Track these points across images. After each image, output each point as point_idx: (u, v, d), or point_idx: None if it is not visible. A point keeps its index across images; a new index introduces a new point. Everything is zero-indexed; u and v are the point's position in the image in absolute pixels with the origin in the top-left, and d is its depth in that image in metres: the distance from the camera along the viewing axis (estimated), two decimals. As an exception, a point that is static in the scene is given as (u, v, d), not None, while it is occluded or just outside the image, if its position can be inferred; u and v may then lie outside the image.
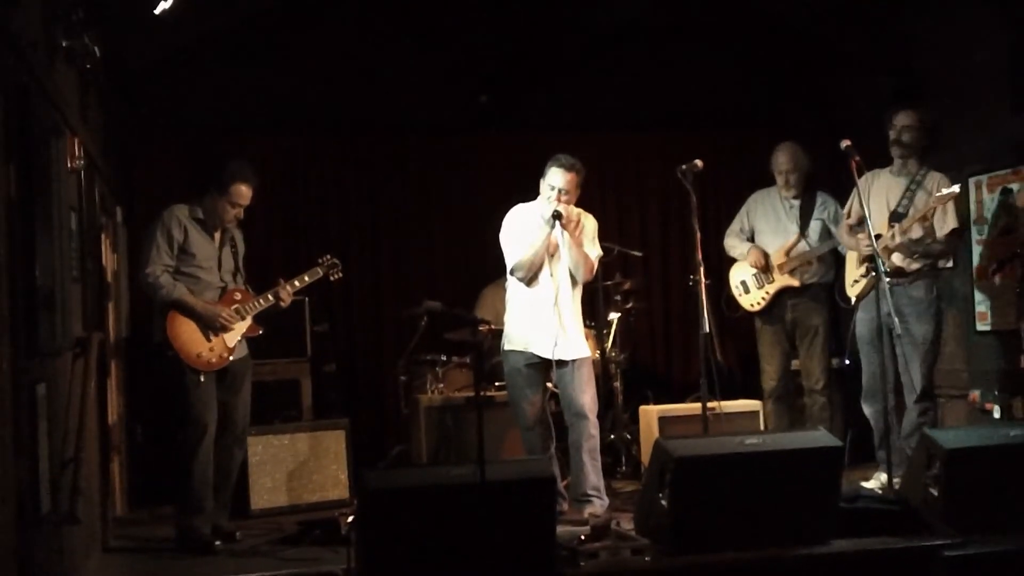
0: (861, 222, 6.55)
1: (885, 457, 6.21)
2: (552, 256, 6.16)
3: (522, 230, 6.19)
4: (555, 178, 6.08)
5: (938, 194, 6.29)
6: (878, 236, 6.32)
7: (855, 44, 8.17)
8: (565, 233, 6.04)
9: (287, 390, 7.43)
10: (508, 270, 6.23)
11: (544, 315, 6.12)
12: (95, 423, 5.56)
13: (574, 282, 6.22)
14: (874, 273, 6.19)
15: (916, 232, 6.39)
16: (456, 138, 8.58)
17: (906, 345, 6.41)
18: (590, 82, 8.48)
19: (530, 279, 6.16)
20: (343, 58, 8.03)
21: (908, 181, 6.61)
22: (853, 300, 6.78)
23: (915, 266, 6.51)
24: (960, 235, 6.69)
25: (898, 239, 6.34)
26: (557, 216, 6.01)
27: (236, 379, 6.09)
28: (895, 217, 6.52)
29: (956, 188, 6.31)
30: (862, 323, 6.70)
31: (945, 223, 6.47)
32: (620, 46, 8.26)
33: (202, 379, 5.87)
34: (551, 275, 6.16)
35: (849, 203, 6.82)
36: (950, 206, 6.44)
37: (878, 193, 6.65)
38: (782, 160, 7.25)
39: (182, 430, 5.87)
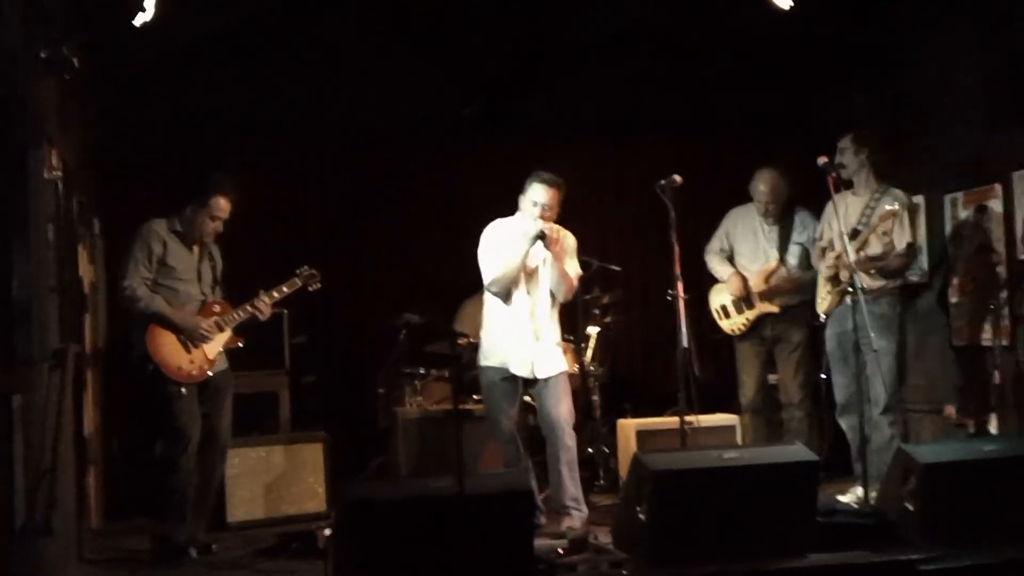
0: (831, 244, 6.70)
1: (861, 471, 6.25)
2: (529, 275, 6.17)
3: (499, 245, 6.20)
4: (537, 194, 6.09)
5: (880, 211, 6.37)
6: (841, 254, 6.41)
7: (834, 60, 8.22)
8: (549, 256, 6.06)
9: (265, 402, 7.40)
10: (487, 282, 6.23)
11: (520, 333, 6.14)
12: (71, 435, 5.53)
13: (552, 299, 6.23)
14: (838, 289, 6.45)
15: (875, 248, 6.47)
16: (438, 149, 8.58)
17: (872, 360, 6.45)
18: (572, 94, 8.48)
19: (506, 295, 6.17)
20: (321, 70, 8.01)
21: (868, 199, 6.68)
22: (823, 317, 6.84)
23: (878, 283, 6.57)
24: (913, 251, 6.75)
25: (852, 256, 6.36)
26: (541, 236, 6.02)
27: (218, 393, 6.08)
28: (854, 235, 6.56)
29: (896, 206, 6.41)
30: (830, 338, 6.77)
31: (903, 237, 6.56)
32: (602, 59, 8.26)
33: (183, 391, 5.86)
34: (527, 293, 6.18)
35: (819, 228, 6.92)
36: (905, 221, 6.55)
37: (843, 214, 6.70)
38: (762, 190, 7.26)
39: (164, 442, 5.86)
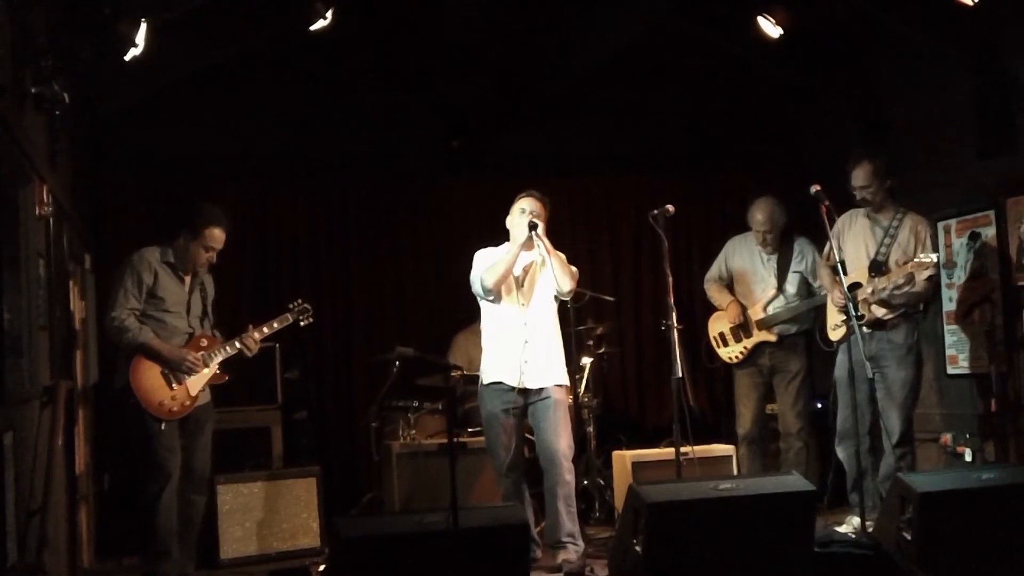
0: (843, 264, 6.59)
1: (858, 500, 6.22)
2: (521, 284, 6.15)
3: (490, 259, 6.19)
4: (524, 203, 6.12)
5: (916, 260, 6.26)
6: (857, 284, 6.37)
7: (826, 90, 8.27)
8: (544, 242, 6.02)
9: (257, 438, 7.35)
10: (478, 290, 6.17)
11: (511, 340, 6.10)
12: (62, 472, 5.49)
13: (547, 306, 6.18)
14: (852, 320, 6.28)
15: (897, 279, 6.38)
16: (428, 183, 8.59)
17: (883, 390, 6.41)
18: (562, 127, 8.53)
19: (497, 294, 6.13)
20: (314, 103, 8.06)
21: (886, 227, 6.60)
22: (835, 344, 6.77)
23: (895, 313, 6.50)
24: (935, 281, 6.72)
25: (880, 294, 6.34)
26: (533, 227, 6.00)
27: (197, 425, 6.01)
28: (875, 267, 6.51)
29: (933, 257, 6.26)
30: (840, 365, 6.70)
31: (924, 271, 6.47)
32: (592, 91, 8.32)
33: (163, 427, 5.79)
34: (520, 303, 6.12)
35: (827, 247, 6.84)
36: (929, 244, 6.47)
37: (856, 237, 6.64)
38: (760, 219, 7.21)
39: (144, 479, 5.80)
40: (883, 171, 6.58)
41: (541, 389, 6.09)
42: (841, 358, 6.68)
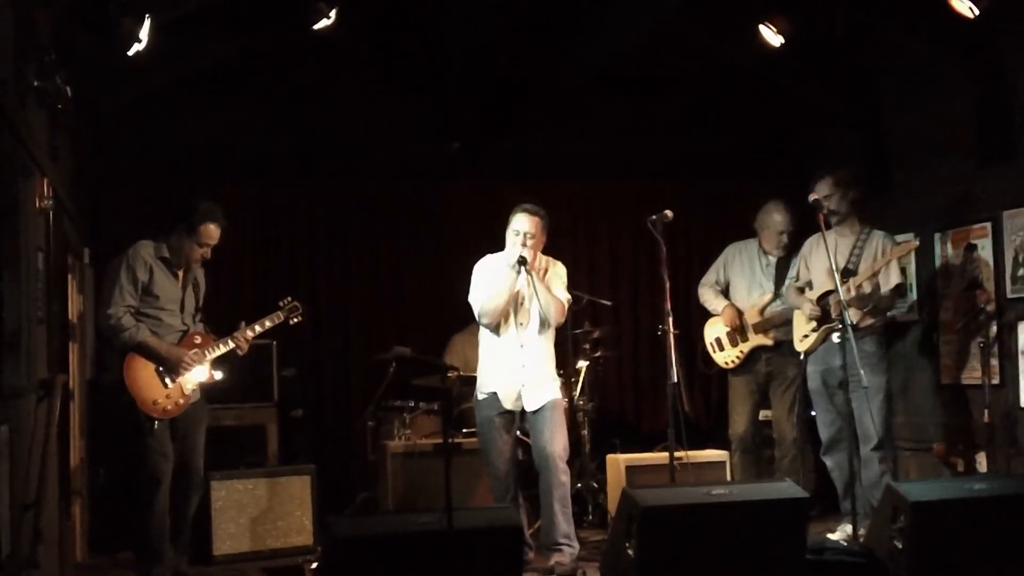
0: (810, 284, 6.79)
1: (850, 508, 6.24)
2: (519, 306, 6.17)
3: (489, 279, 6.20)
4: (519, 223, 6.12)
5: (897, 245, 6.40)
6: (830, 292, 6.42)
7: (825, 98, 8.28)
8: (533, 277, 6.05)
9: (253, 435, 7.36)
10: (476, 316, 6.23)
11: (509, 363, 6.14)
12: (57, 467, 5.49)
13: (544, 328, 6.22)
14: (824, 328, 6.47)
15: (866, 288, 6.49)
16: (428, 185, 8.60)
17: (860, 397, 6.45)
18: (562, 131, 8.54)
19: (496, 326, 6.17)
20: (316, 103, 8.06)
21: (854, 239, 6.71)
22: (802, 355, 6.85)
23: (867, 321, 6.58)
24: (901, 291, 6.79)
25: (853, 293, 6.43)
26: (522, 261, 6.03)
27: (191, 423, 6.00)
28: (846, 273, 6.59)
29: (916, 242, 6.51)
30: (813, 377, 6.78)
31: (889, 279, 6.61)
32: (593, 95, 8.33)
33: (156, 426, 5.77)
34: (517, 324, 6.17)
35: (796, 267, 6.93)
36: (894, 263, 6.59)
37: (823, 254, 6.69)
38: (778, 220, 7.23)
39: (136, 477, 5.79)
40: (845, 182, 6.69)
41: (541, 408, 6.15)
42: (811, 369, 6.79)
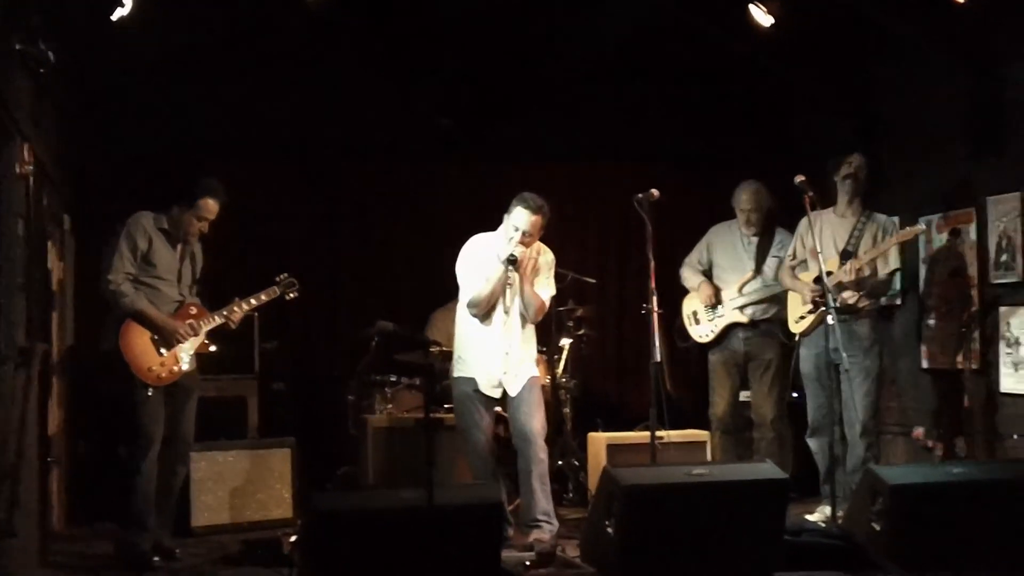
0: (804, 263, 6.77)
1: (829, 491, 6.26)
2: (505, 295, 6.14)
3: (479, 264, 6.16)
4: (519, 219, 6.04)
5: (904, 230, 6.46)
6: (828, 273, 6.41)
7: (816, 85, 8.28)
8: (519, 276, 6.05)
9: (233, 407, 7.33)
10: (464, 302, 6.20)
11: (491, 348, 6.13)
12: (36, 436, 5.47)
13: (525, 319, 6.21)
14: (820, 310, 6.38)
15: (864, 272, 6.52)
16: (418, 164, 8.56)
17: (848, 382, 6.47)
18: (554, 113, 8.49)
19: (484, 316, 6.16)
20: (307, 81, 7.99)
21: (855, 221, 6.73)
22: (797, 336, 6.86)
23: (863, 303, 6.60)
24: (898, 276, 6.81)
25: (852, 275, 6.46)
26: (512, 261, 6.01)
27: (183, 393, 6.03)
28: (845, 255, 6.63)
29: (923, 226, 6.58)
30: (806, 359, 6.78)
31: (888, 263, 6.65)
32: (585, 79, 8.29)
33: (150, 394, 5.81)
34: (505, 312, 6.15)
35: (791, 246, 6.93)
36: (894, 248, 6.62)
37: (825, 233, 6.74)
38: (744, 199, 7.27)
39: (127, 445, 5.81)
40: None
41: (520, 390, 6.15)
42: (804, 352, 6.78)
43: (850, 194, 6.79)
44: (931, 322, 7.49)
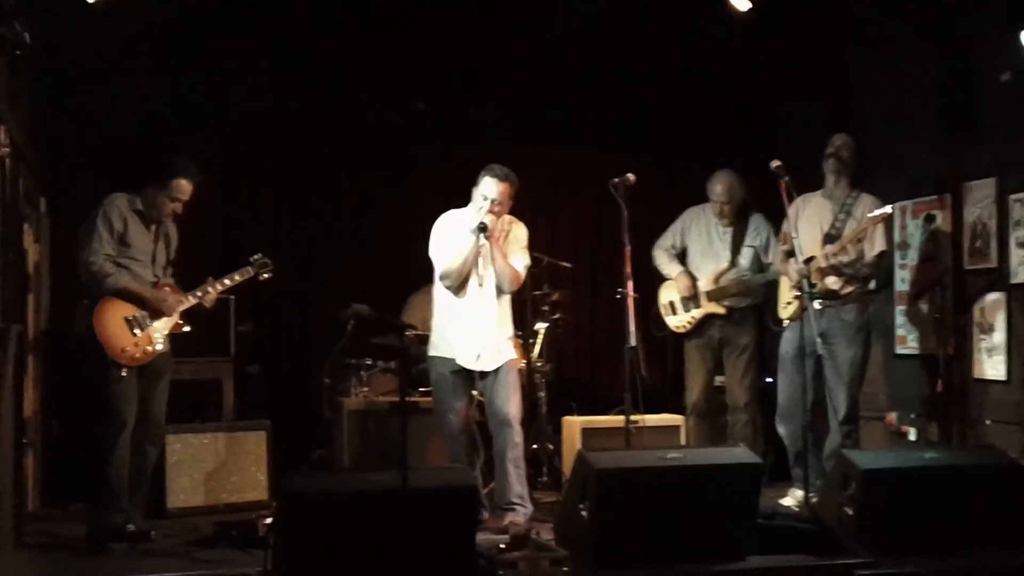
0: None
1: (801, 475, 6.29)
2: (479, 268, 6.16)
3: (451, 238, 6.18)
4: (488, 188, 6.08)
5: (871, 214, 6.41)
6: (811, 258, 6.42)
7: (792, 70, 8.29)
8: (489, 244, 6.05)
9: (208, 390, 7.33)
10: (437, 276, 6.21)
11: (469, 324, 6.14)
12: (10, 417, 5.45)
13: (502, 291, 6.22)
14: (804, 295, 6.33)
15: (848, 254, 6.50)
16: (393, 147, 8.54)
17: (831, 368, 6.49)
18: (528, 96, 8.50)
19: (458, 288, 6.16)
20: (281, 61, 7.96)
21: (840, 204, 6.71)
22: (785, 322, 6.86)
23: (848, 289, 6.59)
24: (886, 258, 6.81)
25: (831, 260, 6.45)
26: (483, 228, 6.02)
27: (156, 374, 6.03)
28: (829, 239, 6.61)
29: (889, 209, 6.46)
30: (786, 342, 6.78)
31: (874, 246, 6.60)
32: (560, 62, 8.28)
33: (123, 374, 5.81)
34: (479, 284, 6.17)
35: (783, 230, 6.92)
36: (879, 229, 6.57)
37: (810, 216, 6.73)
38: (718, 191, 7.26)
39: (100, 425, 5.80)
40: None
41: (497, 369, 6.15)
42: (789, 335, 6.77)
43: (835, 175, 6.74)
44: (904, 308, 7.54)
